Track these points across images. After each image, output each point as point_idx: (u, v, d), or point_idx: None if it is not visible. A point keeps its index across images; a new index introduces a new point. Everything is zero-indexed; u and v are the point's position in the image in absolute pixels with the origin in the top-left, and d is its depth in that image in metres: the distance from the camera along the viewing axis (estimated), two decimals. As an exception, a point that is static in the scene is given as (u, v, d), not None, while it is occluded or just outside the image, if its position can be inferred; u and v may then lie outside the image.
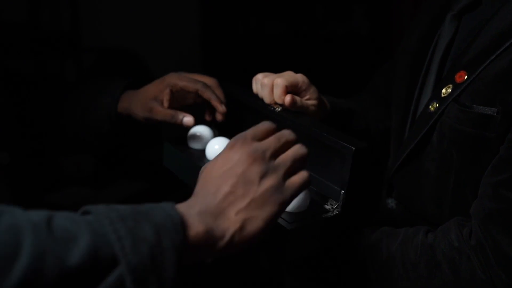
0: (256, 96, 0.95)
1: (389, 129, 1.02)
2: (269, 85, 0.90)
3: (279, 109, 0.90)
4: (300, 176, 0.64)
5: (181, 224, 0.54)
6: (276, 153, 0.64)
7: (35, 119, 0.91)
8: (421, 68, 0.93)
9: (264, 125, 0.65)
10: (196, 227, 0.55)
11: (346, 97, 1.10)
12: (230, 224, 0.58)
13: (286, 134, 0.66)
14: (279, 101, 0.90)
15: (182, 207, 0.58)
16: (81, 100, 0.96)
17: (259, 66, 2.11)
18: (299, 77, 0.92)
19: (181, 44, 2.23)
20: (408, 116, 0.94)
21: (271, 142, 0.64)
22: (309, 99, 0.92)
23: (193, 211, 0.57)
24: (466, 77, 0.81)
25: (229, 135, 0.95)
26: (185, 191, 1.07)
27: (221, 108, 0.95)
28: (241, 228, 0.58)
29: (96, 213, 0.52)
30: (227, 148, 0.63)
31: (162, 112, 0.93)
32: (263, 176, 0.61)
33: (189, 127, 0.94)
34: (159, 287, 0.50)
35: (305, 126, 0.86)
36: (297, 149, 0.65)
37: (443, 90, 0.84)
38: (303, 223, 0.78)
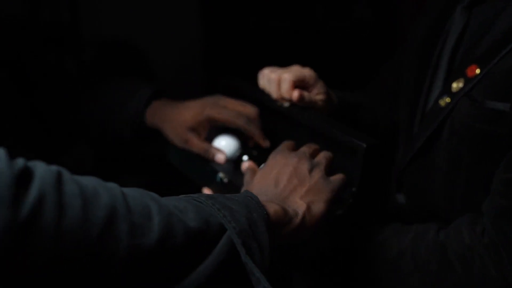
0: (263, 91, 0.93)
1: (397, 123, 1.01)
2: (276, 80, 0.89)
3: (287, 104, 0.89)
4: (340, 175, 0.77)
5: (261, 202, 0.62)
6: (313, 155, 0.77)
7: (47, 112, 0.91)
8: (430, 61, 0.91)
9: (290, 142, 0.82)
10: (272, 206, 0.64)
11: (350, 88, 1.09)
12: (298, 205, 0.68)
13: (312, 144, 0.80)
14: (286, 96, 0.88)
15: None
16: (105, 102, 0.97)
17: (262, 57, 2.09)
18: (307, 72, 0.90)
19: (182, 36, 2.21)
20: (417, 111, 0.92)
21: (305, 148, 0.78)
22: (317, 94, 0.91)
23: (264, 200, 0.65)
24: (478, 71, 0.79)
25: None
26: (189, 186, 1.06)
27: (264, 143, 0.94)
28: (309, 208, 0.68)
29: (189, 197, 0.59)
30: (271, 159, 0.76)
31: (198, 145, 0.94)
32: (311, 170, 0.72)
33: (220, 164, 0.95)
34: (260, 252, 0.57)
35: (315, 122, 0.84)
36: (325, 153, 0.79)
37: (454, 85, 0.82)
38: None
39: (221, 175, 0.90)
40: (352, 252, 0.81)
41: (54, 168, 0.49)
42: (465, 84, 0.81)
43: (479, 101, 0.78)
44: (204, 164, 0.95)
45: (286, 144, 0.81)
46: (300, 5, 2.19)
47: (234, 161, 0.95)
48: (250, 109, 0.94)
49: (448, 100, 0.83)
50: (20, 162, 0.46)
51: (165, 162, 1.04)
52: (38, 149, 0.96)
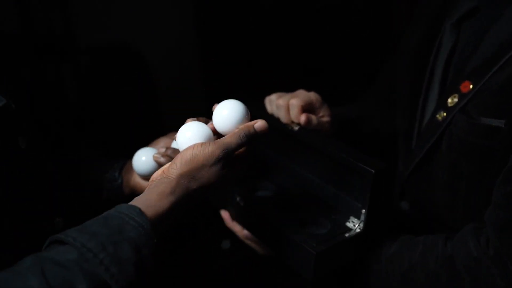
0: (272, 116, 0.98)
1: (396, 132, 1.06)
2: (285, 106, 0.94)
3: (296, 128, 0.94)
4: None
5: (152, 226, 0.63)
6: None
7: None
8: (424, 76, 0.96)
9: None
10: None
11: (348, 85, 1.13)
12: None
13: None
14: (296, 120, 0.94)
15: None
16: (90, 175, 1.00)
17: (259, 59, 2.12)
18: (313, 96, 0.96)
19: (178, 39, 2.22)
20: (414, 123, 0.97)
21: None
22: (323, 117, 0.96)
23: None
24: (471, 86, 0.84)
25: None
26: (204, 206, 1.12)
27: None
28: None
29: (76, 245, 0.59)
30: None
31: None
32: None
33: None
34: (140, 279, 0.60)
35: (326, 146, 0.89)
36: None
37: (449, 100, 0.87)
38: (328, 245, 0.82)
39: (238, 198, 0.95)
40: (365, 267, 0.87)
41: None
42: (459, 99, 0.85)
43: (474, 117, 0.83)
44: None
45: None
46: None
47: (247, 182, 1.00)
48: None
49: (444, 114, 0.88)
50: None
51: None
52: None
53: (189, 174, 0.69)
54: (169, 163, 0.72)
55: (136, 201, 0.67)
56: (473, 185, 0.86)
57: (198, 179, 0.70)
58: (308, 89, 0.99)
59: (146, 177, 0.94)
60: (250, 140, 0.73)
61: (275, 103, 0.97)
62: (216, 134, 0.76)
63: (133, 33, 2.11)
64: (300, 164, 0.99)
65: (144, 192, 0.69)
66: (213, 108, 0.76)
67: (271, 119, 0.98)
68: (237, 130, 0.73)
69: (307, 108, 0.95)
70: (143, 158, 0.93)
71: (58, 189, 0.84)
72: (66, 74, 2.13)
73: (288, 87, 1.02)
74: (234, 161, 0.73)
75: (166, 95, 2.17)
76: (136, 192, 0.97)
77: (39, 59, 2.02)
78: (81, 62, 2.12)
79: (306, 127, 0.94)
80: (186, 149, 0.71)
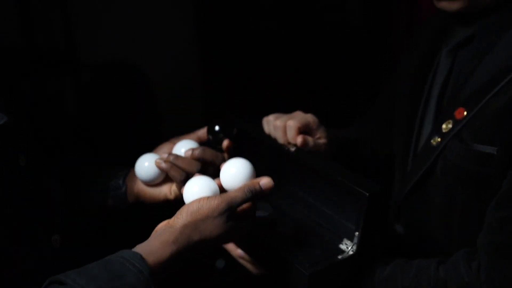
0: (269, 136, 1.00)
1: (393, 155, 1.07)
2: (282, 127, 0.96)
3: (293, 149, 0.95)
4: None
5: (151, 273, 0.65)
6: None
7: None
8: (420, 101, 0.98)
9: None
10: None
11: (343, 93, 1.15)
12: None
13: None
14: (292, 142, 0.95)
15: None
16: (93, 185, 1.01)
17: (257, 64, 2.14)
18: (310, 118, 0.97)
19: (179, 55, 2.24)
20: (410, 147, 0.99)
21: None
22: (320, 138, 0.98)
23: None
24: (465, 113, 0.86)
25: None
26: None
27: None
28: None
29: (74, 286, 0.60)
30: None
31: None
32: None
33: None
34: None
35: (321, 167, 0.90)
36: None
37: (444, 125, 0.89)
38: (321, 266, 0.83)
39: None
40: (358, 289, 0.88)
41: None
42: (454, 126, 0.87)
43: (468, 143, 0.84)
44: None
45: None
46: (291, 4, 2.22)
47: None
48: None
49: (439, 140, 0.89)
50: None
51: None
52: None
53: (193, 225, 0.72)
54: (175, 215, 0.74)
55: (139, 248, 0.68)
56: (467, 209, 0.87)
57: (202, 230, 0.72)
58: (306, 110, 1.00)
59: (149, 183, 0.95)
60: (254, 196, 0.76)
61: (273, 124, 0.98)
62: (222, 191, 0.80)
63: (135, 50, 2.13)
64: (296, 185, 1.00)
65: (147, 240, 0.71)
66: (220, 166, 0.80)
67: (268, 139, 0.99)
68: (242, 185, 0.77)
69: (304, 130, 0.96)
70: (145, 164, 0.93)
71: (56, 207, 0.84)
72: (67, 88, 2.15)
73: (286, 108, 1.03)
74: (238, 216, 0.76)
75: (167, 109, 2.18)
76: (140, 199, 0.98)
77: (40, 72, 2.04)
78: (82, 77, 2.14)
79: (302, 148, 0.95)
80: (193, 201, 0.74)
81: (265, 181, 0.78)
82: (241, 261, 0.97)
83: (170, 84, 2.17)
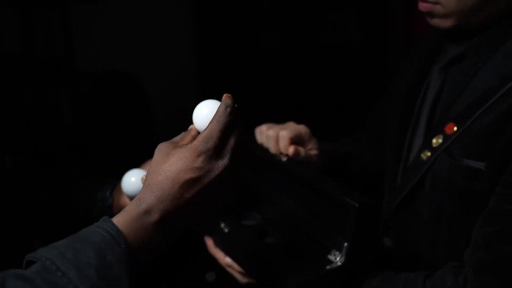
0: (261, 146, 1.01)
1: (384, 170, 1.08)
2: (274, 137, 0.97)
3: (285, 159, 0.96)
4: None
5: (119, 233, 0.60)
6: None
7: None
8: (411, 116, 0.99)
9: None
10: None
11: (340, 108, 1.16)
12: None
13: None
14: (284, 152, 0.96)
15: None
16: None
17: (255, 79, 2.15)
18: (302, 128, 0.98)
19: (177, 63, 2.26)
20: (400, 161, 1.00)
21: None
22: (311, 149, 0.99)
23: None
24: (455, 128, 0.87)
25: None
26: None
27: None
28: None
29: (38, 258, 0.58)
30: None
31: None
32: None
33: None
34: None
35: (311, 178, 0.91)
36: None
37: (434, 140, 0.90)
38: (308, 276, 0.83)
39: (222, 225, 0.96)
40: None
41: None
42: (444, 140, 0.88)
43: (457, 158, 0.85)
44: None
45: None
46: (291, 21, 2.25)
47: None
48: None
49: (429, 154, 0.90)
50: None
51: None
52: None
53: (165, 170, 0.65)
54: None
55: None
56: (455, 224, 0.87)
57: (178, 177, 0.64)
58: (299, 122, 1.02)
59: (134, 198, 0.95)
60: (229, 117, 0.67)
61: (265, 133, 0.99)
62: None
63: (133, 62, 2.15)
64: (286, 195, 1.00)
65: None
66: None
67: (260, 149, 1.00)
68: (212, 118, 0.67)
69: (296, 140, 0.97)
70: (132, 179, 0.93)
71: (41, 212, 0.84)
72: (64, 98, 2.16)
73: (279, 119, 1.05)
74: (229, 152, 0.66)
75: (163, 120, 2.19)
76: None
77: (38, 81, 2.05)
78: (79, 87, 2.15)
79: (294, 159, 0.96)
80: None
81: (224, 98, 0.68)
82: (229, 269, 0.97)
83: (168, 96, 2.19)
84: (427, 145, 0.91)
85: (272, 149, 0.98)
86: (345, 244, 0.85)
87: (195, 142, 0.65)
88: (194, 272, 1.60)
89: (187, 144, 0.67)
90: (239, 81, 2.17)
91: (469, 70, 0.90)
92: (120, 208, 0.97)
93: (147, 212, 0.62)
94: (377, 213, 1.00)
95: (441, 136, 0.89)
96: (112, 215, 0.95)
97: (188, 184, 0.64)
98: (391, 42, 2.15)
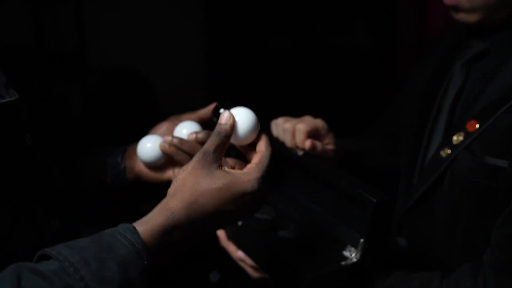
0: (277, 139, 0.99)
1: (398, 168, 1.06)
2: (291, 130, 0.95)
3: (301, 152, 0.94)
4: None
5: (144, 248, 0.59)
6: None
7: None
8: (430, 113, 0.97)
9: None
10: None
11: (350, 113, 1.14)
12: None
13: None
14: (300, 145, 0.94)
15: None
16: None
17: (263, 80, 2.15)
18: (319, 123, 0.97)
19: (187, 63, 2.26)
20: (417, 159, 0.98)
21: None
22: (327, 144, 0.97)
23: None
24: (477, 126, 0.85)
25: None
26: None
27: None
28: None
29: (59, 258, 0.56)
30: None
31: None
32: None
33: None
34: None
35: (328, 172, 0.90)
36: None
37: (455, 137, 0.88)
38: (322, 272, 0.81)
39: None
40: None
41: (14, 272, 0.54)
42: (465, 138, 0.86)
43: (478, 155, 0.83)
44: None
45: None
46: (300, 25, 2.25)
47: None
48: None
49: (449, 151, 0.88)
50: None
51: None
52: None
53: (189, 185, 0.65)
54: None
55: (139, 221, 0.63)
56: (473, 224, 0.85)
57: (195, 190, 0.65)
58: (315, 116, 1.00)
59: (151, 165, 0.91)
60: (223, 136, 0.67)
61: (281, 127, 0.97)
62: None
63: (143, 60, 2.14)
64: (302, 190, 0.98)
65: None
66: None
67: (276, 143, 0.98)
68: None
69: (312, 134, 0.96)
70: (147, 145, 0.90)
71: (57, 190, 0.83)
72: (74, 92, 2.15)
73: (295, 113, 1.03)
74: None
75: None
76: (141, 179, 0.94)
77: (49, 74, 2.04)
78: (88, 81, 2.14)
79: (310, 153, 0.94)
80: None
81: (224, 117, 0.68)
82: (240, 263, 0.95)
83: (176, 95, 2.18)
84: (447, 142, 0.89)
85: (288, 142, 0.96)
86: (361, 240, 0.83)
87: (245, 172, 0.66)
88: (198, 272, 1.58)
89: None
90: (247, 83, 2.17)
91: (493, 67, 0.88)
92: (134, 174, 0.95)
93: (175, 228, 0.63)
94: (391, 211, 0.98)
95: (462, 133, 0.87)
96: (126, 181, 0.95)
97: (227, 213, 0.65)
98: (401, 46, 2.14)
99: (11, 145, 0.71)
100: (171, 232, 0.62)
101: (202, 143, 0.86)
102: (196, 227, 0.64)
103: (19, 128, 0.74)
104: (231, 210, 0.65)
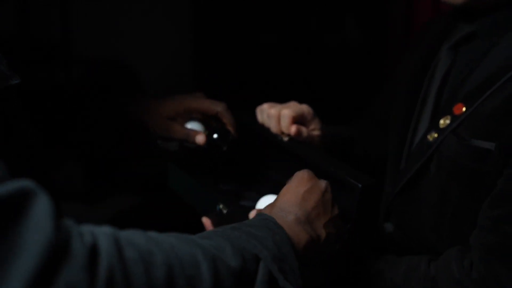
0: (262, 125, 0.97)
1: (387, 155, 1.05)
2: (276, 116, 0.94)
3: (286, 138, 0.93)
4: None
5: (288, 238, 0.66)
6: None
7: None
8: (418, 97, 0.96)
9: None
10: (294, 228, 0.69)
11: (340, 108, 1.13)
12: (321, 232, 0.73)
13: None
14: (286, 131, 0.93)
15: (279, 219, 0.69)
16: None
17: (253, 73, 2.13)
18: (305, 108, 0.95)
19: (173, 54, 2.23)
20: (404, 144, 0.97)
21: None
22: (313, 130, 0.95)
23: (290, 219, 0.70)
24: (464, 109, 0.84)
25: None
26: (178, 206, 1.09)
27: (236, 133, 0.97)
28: (327, 238, 0.73)
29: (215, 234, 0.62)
30: (297, 177, 0.78)
31: (179, 131, 0.96)
32: (333, 204, 0.76)
33: (200, 145, 0.97)
34: (292, 273, 0.62)
35: (314, 158, 0.88)
36: None
37: (441, 121, 0.87)
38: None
39: (221, 206, 0.93)
40: (347, 285, 0.85)
41: (110, 232, 0.50)
42: (452, 121, 0.85)
43: (465, 139, 0.82)
44: (205, 193, 0.98)
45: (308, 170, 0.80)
46: (291, 21, 2.23)
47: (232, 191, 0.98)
48: (221, 103, 0.99)
49: (435, 135, 0.87)
50: (87, 238, 0.47)
51: (153, 181, 1.07)
52: (29, 163, 0.97)
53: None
54: None
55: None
56: (460, 208, 0.85)
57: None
58: (301, 102, 0.98)
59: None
60: None
61: (267, 112, 0.96)
62: None
63: (129, 48, 2.12)
64: (287, 176, 0.97)
65: None
66: None
67: (261, 128, 0.97)
68: None
69: (298, 120, 0.94)
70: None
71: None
72: (59, 81, 2.12)
73: (281, 99, 1.01)
74: None
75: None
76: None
77: (33, 64, 2.01)
78: (73, 72, 2.11)
79: (296, 139, 0.92)
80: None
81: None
82: None
83: (164, 87, 2.16)
84: (434, 126, 0.88)
85: (273, 128, 0.95)
86: (348, 225, 0.82)
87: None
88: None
89: None
90: (236, 79, 2.15)
91: (480, 50, 0.87)
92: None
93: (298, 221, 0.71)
94: (379, 196, 0.97)
95: (449, 116, 0.86)
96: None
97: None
98: (390, 42, 2.14)
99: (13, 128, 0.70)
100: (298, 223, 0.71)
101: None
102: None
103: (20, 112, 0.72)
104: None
